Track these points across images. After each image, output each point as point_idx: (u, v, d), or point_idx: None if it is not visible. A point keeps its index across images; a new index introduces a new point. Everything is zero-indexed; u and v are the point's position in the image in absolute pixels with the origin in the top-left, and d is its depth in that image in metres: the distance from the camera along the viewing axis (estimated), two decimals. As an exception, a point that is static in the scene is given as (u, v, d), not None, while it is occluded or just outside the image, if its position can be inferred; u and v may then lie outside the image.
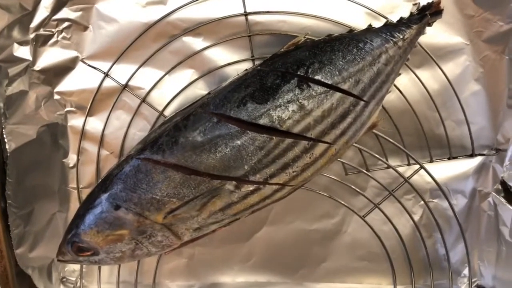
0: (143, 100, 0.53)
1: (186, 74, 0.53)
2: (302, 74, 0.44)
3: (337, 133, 0.45)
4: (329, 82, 0.44)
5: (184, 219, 0.46)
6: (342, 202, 0.55)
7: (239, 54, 0.52)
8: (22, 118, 0.51)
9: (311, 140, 0.45)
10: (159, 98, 0.53)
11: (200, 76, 0.53)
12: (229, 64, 0.52)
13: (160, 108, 0.53)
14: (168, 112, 0.53)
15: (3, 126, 0.50)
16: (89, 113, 0.54)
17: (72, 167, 0.55)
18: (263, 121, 0.43)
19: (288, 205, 0.56)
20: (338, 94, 0.44)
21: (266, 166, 0.44)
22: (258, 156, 0.44)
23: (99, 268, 0.57)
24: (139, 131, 0.54)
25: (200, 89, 0.53)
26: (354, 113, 0.45)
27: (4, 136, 0.50)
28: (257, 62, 0.51)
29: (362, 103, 0.46)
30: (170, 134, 0.45)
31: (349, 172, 0.55)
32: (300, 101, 0.44)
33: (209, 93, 0.47)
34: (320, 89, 0.44)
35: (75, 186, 0.55)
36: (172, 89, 0.53)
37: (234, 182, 0.45)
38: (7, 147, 0.50)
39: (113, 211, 0.45)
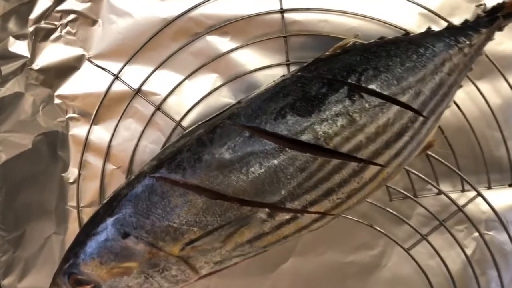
0: (158, 107, 0.46)
1: (209, 79, 0.46)
2: (353, 82, 0.37)
3: (391, 154, 0.38)
4: (385, 93, 0.37)
5: (205, 251, 0.38)
6: (384, 232, 0.47)
7: (272, 58, 0.45)
8: (16, 125, 0.44)
9: (361, 161, 0.37)
10: (176, 106, 0.46)
11: (225, 82, 0.45)
12: (259, 69, 0.45)
13: (177, 118, 0.46)
14: (186, 123, 0.46)
15: (-7, 133, 0.42)
16: (95, 121, 0.46)
17: (72, 183, 0.48)
18: (305, 137, 0.36)
19: (320, 233, 0.48)
20: (395, 108, 0.37)
21: (307, 191, 0.37)
22: (298, 180, 0.36)
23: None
24: (152, 144, 0.47)
25: (225, 97, 0.46)
26: (411, 130, 0.38)
27: (-6, 145, 0.42)
28: (292, 68, 0.44)
29: (421, 119, 0.38)
30: (192, 150, 0.38)
31: (394, 198, 0.47)
32: (351, 114, 0.36)
33: (239, 102, 0.40)
34: (375, 100, 0.37)
35: (75, 204, 0.48)
36: (192, 96, 0.46)
37: (267, 210, 0.37)
38: (-4, 158, 0.42)
39: (120, 239, 0.38)
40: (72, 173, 0.48)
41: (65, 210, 0.48)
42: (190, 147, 0.38)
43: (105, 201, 0.41)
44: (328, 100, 0.37)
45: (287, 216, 0.38)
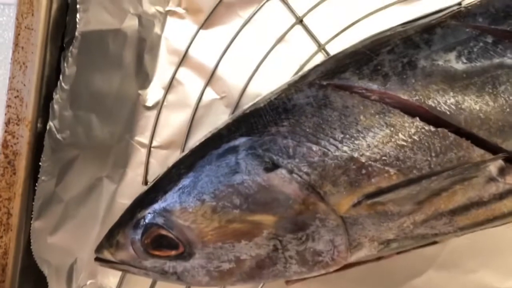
0: (301, 20, 0.32)
1: (376, -5, 0.33)
2: None
3: None
4: None
5: (384, 217, 0.24)
6: None
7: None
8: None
9: None
10: (319, 26, 0.33)
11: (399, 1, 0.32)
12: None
13: (322, 41, 0.32)
14: (333, 50, 0.32)
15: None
16: (205, 24, 0.32)
17: (149, 108, 0.33)
18: None
19: (474, 242, 0.35)
20: None
21: None
22: None
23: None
24: (277, 70, 0.33)
25: (393, 20, 0.33)
26: None
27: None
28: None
29: None
30: (396, 52, 0.24)
31: None
32: None
33: (459, 4, 0.27)
34: None
35: (145, 141, 0.32)
36: (346, 15, 0.33)
37: (501, 161, 0.23)
38: (77, 19, 0.27)
39: (261, 172, 0.23)
40: (153, 92, 0.33)
41: (129, 146, 0.33)
42: (393, 48, 0.24)
43: (229, 118, 0.26)
44: None
45: (522, 179, 0.24)
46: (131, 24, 0.30)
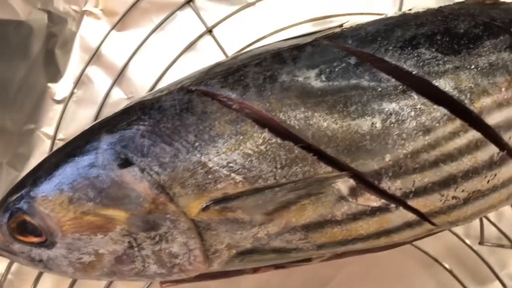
0: (211, 30, 0.33)
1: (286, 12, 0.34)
2: (520, 32, 0.25)
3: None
4: None
5: (236, 224, 0.25)
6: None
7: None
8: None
9: (504, 149, 0.25)
10: (228, 37, 0.34)
11: (313, 19, 0.33)
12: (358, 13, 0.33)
13: (230, 53, 0.33)
14: (239, 62, 0.33)
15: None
16: (118, 26, 0.33)
17: (58, 101, 0.34)
18: (443, 83, 0.24)
19: (369, 267, 0.35)
20: None
21: (421, 169, 0.24)
22: (416, 144, 0.24)
23: (37, 280, 0.33)
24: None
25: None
26: None
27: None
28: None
29: None
30: (263, 65, 0.25)
31: (486, 243, 0.34)
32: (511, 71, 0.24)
33: (341, 26, 0.28)
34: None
35: (51, 132, 0.33)
36: (255, 28, 0.34)
37: (352, 181, 0.24)
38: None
39: (115, 168, 0.24)
40: (62, 87, 0.34)
41: (34, 137, 0.34)
42: (261, 62, 0.25)
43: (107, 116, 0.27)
44: (482, 44, 0.25)
45: (374, 202, 0.24)
46: (38, 18, 0.31)
